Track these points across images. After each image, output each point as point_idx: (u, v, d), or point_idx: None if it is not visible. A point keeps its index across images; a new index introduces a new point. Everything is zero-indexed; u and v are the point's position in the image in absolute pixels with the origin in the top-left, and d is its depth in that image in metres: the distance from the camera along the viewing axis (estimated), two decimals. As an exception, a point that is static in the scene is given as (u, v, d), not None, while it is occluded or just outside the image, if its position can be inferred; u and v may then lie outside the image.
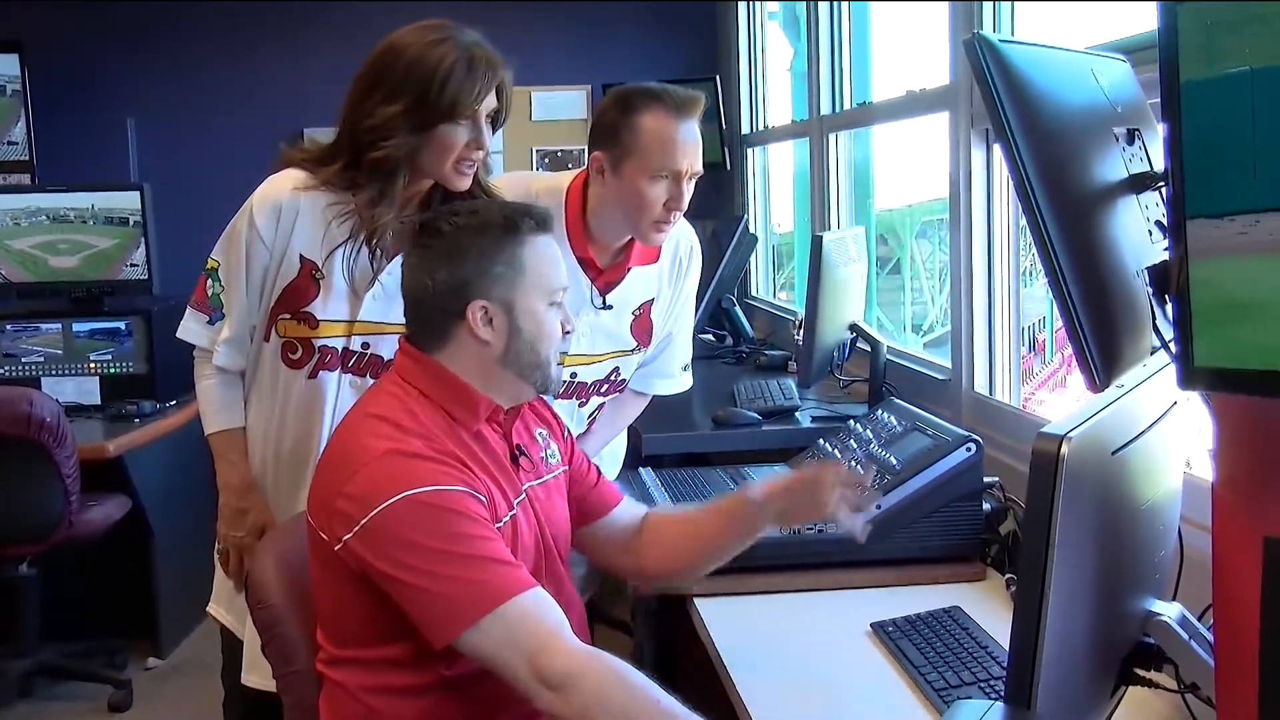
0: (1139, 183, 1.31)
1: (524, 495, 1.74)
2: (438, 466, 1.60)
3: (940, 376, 2.92)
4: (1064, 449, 1.15)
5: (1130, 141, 1.35)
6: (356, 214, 2.03)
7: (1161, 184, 1.33)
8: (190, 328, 2.15)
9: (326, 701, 1.71)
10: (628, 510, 1.97)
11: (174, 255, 4.49)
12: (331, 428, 2.07)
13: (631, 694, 1.51)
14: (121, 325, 4.21)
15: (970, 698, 1.66)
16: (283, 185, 2.07)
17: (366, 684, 1.66)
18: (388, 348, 2.08)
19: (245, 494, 2.14)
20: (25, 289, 4.34)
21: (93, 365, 4.21)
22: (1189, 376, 1.07)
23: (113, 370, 4.21)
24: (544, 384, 1.75)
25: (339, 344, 2.09)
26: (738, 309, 4.33)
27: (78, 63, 5.21)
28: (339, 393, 2.10)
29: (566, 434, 1.96)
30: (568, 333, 1.77)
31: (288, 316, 2.08)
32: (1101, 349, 1.17)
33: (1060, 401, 2.94)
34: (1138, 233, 1.28)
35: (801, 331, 3.71)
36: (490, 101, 2.03)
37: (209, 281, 2.13)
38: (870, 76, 3.92)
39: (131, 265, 4.29)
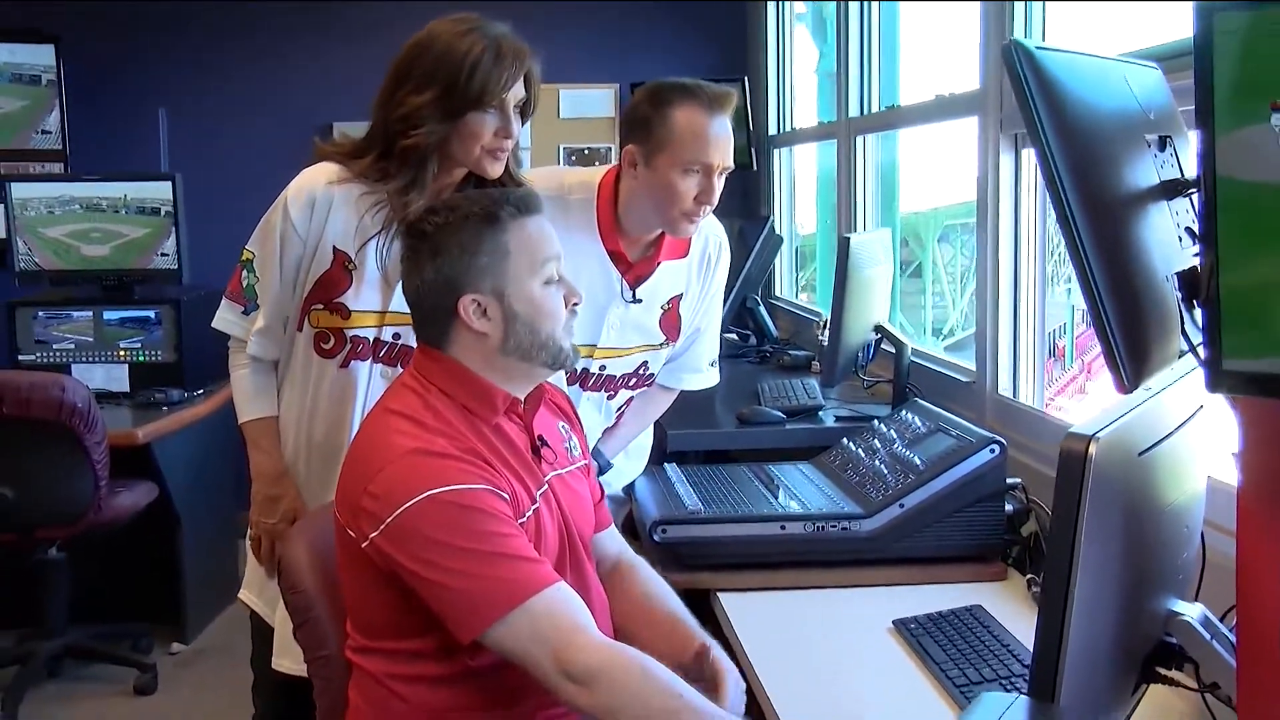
0: (1170, 189, 1.32)
1: (546, 486, 1.76)
2: (461, 465, 1.62)
3: (964, 379, 2.94)
4: (1092, 449, 1.17)
5: (1162, 148, 1.37)
6: (389, 204, 2.07)
7: (1192, 190, 1.35)
8: (225, 318, 2.20)
9: (356, 687, 1.74)
10: (607, 541, 1.97)
11: (203, 245, 4.54)
12: (362, 417, 2.10)
13: (656, 688, 1.54)
14: (151, 314, 4.27)
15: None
16: (317, 178, 2.11)
17: (394, 672, 1.69)
18: None
19: (277, 481, 2.17)
20: (57, 276, 4.40)
21: (122, 353, 4.26)
22: (1217, 379, 1.09)
23: (142, 358, 4.27)
24: (554, 359, 1.74)
25: (370, 334, 2.12)
26: (762, 309, 4.35)
27: (112, 55, 5.27)
28: (370, 382, 2.13)
29: (584, 433, 1.98)
30: (575, 304, 1.75)
31: (320, 307, 2.12)
32: (1130, 351, 1.18)
33: (1079, 408, 2.93)
34: (1168, 238, 1.30)
35: (826, 332, 3.74)
36: (518, 91, 2.07)
37: (244, 273, 2.17)
38: (898, 80, 3.93)
39: (162, 255, 4.34)
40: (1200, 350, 1.27)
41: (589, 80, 5.36)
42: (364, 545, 1.62)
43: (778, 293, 5.09)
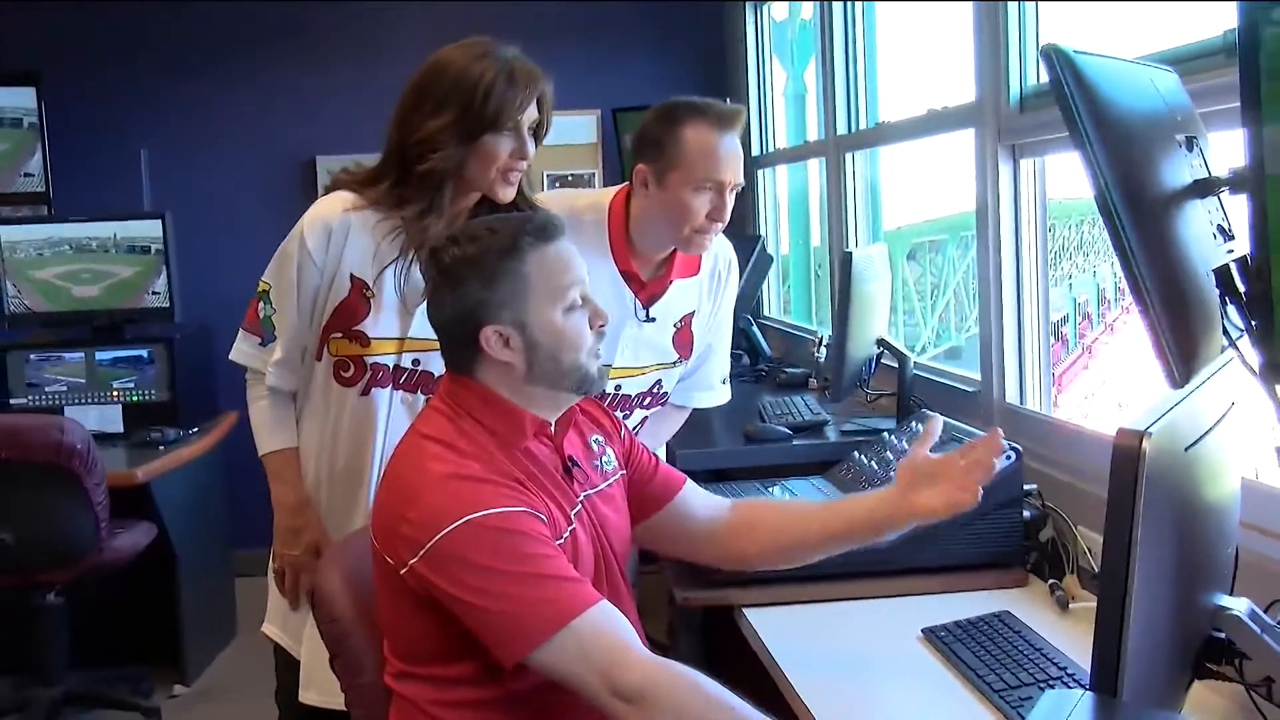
0: (1202, 188, 1.35)
1: (580, 506, 1.75)
2: (497, 488, 1.62)
3: (968, 389, 2.96)
4: (1145, 444, 1.18)
5: (1189, 148, 1.39)
6: (405, 230, 2.08)
7: (1223, 189, 1.37)
8: (243, 350, 2.19)
9: (396, 713, 1.73)
10: (697, 496, 1.96)
11: (188, 282, 4.52)
12: (384, 444, 2.11)
13: (708, 702, 1.53)
14: (144, 353, 4.24)
15: (1030, 698, 1.69)
16: (333, 206, 2.12)
17: (435, 698, 1.68)
18: (438, 364, 2.10)
19: (299, 512, 2.16)
20: (48, 318, 4.37)
21: (116, 393, 4.23)
22: (1273, 369, 1.11)
23: (136, 398, 4.23)
24: (579, 386, 1.74)
25: (390, 361, 2.12)
26: (755, 328, 4.38)
27: (92, 96, 5.25)
28: (391, 410, 2.13)
29: (624, 433, 1.96)
30: (601, 327, 1.75)
31: (340, 335, 2.12)
32: (1180, 346, 1.20)
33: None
34: (1204, 236, 1.32)
35: (822, 348, 3.77)
36: (532, 113, 2.09)
37: (260, 304, 2.17)
38: (878, 98, 3.98)
39: (153, 293, 4.32)
40: (1240, 344, 1.30)
41: (571, 107, 5.37)
42: (403, 572, 1.61)
43: (766, 312, 5.11)
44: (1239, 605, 1.43)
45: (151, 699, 3.92)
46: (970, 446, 1.80)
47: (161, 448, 4.00)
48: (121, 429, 4.20)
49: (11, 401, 4.19)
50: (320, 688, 2.11)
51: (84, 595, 3.88)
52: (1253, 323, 1.13)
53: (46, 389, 4.22)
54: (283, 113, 5.42)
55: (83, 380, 4.23)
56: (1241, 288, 1.34)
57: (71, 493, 3.43)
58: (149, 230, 4.33)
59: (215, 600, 4.42)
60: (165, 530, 3.91)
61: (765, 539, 1.91)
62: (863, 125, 3.93)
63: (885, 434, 2.67)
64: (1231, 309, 1.34)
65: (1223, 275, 1.31)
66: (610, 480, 1.87)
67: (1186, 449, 1.32)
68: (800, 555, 1.93)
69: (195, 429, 4.19)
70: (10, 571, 3.51)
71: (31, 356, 4.22)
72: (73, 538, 3.49)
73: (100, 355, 4.24)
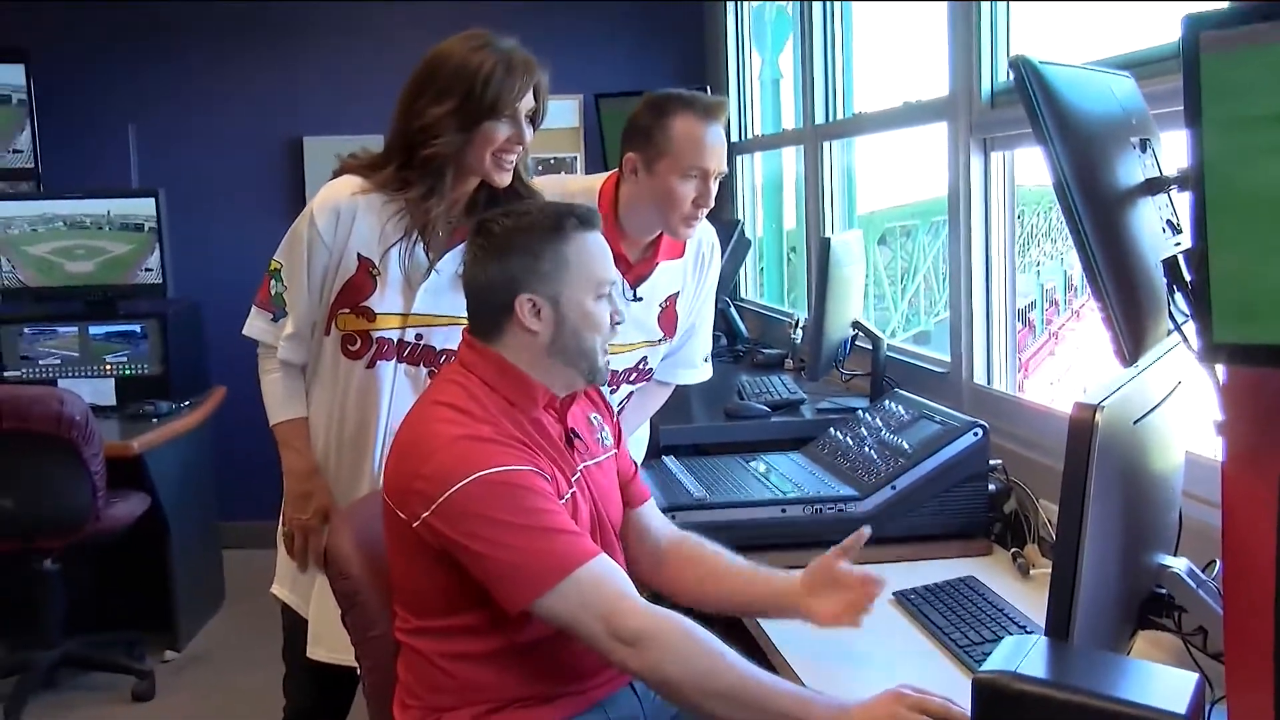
0: (1154, 186, 1.48)
1: (579, 475, 1.88)
2: (505, 449, 1.75)
3: (938, 370, 3.10)
4: (1098, 416, 1.32)
5: (1143, 149, 1.53)
6: (409, 212, 2.19)
7: (1172, 186, 1.51)
8: (256, 325, 2.30)
9: (405, 665, 1.86)
10: (656, 515, 2.10)
11: (176, 258, 4.60)
12: (389, 414, 2.23)
13: (700, 647, 1.67)
14: (137, 328, 4.33)
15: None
16: (341, 189, 2.23)
17: (442, 650, 1.81)
18: (439, 338, 2.25)
19: (309, 479, 2.28)
20: (42, 293, 4.45)
21: (109, 366, 4.32)
22: (1209, 352, 1.24)
23: (128, 372, 4.33)
24: (591, 372, 1.88)
25: (395, 335, 2.24)
26: (732, 310, 4.51)
27: (80, 72, 5.31)
28: (395, 381, 2.25)
29: (616, 419, 2.11)
30: (617, 323, 1.89)
31: (347, 311, 2.23)
32: (1130, 329, 1.34)
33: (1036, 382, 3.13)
34: (1154, 229, 1.46)
35: (798, 330, 3.91)
36: (528, 100, 2.21)
37: (272, 282, 2.28)
38: (853, 89, 4.11)
39: (146, 269, 4.41)
40: (1185, 329, 1.44)
41: (554, 92, 5.42)
42: (415, 525, 1.73)
43: (743, 295, 5.24)
44: (1179, 564, 1.58)
45: (145, 663, 4.03)
46: (844, 550, 1.93)
47: (154, 420, 4.10)
48: (114, 402, 4.30)
49: (5, 374, 4.28)
50: (328, 645, 2.24)
51: (79, 563, 3.99)
52: (1195, 310, 1.26)
53: (40, 362, 4.31)
54: (270, 93, 5.48)
55: (76, 354, 4.32)
56: (1188, 277, 1.47)
57: (70, 462, 3.54)
58: (142, 208, 4.41)
59: (204, 570, 4.53)
60: (159, 501, 4.01)
61: (691, 580, 2.03)
62: (839, 115, 4.06)
63: (860, 412, 2.81)
64: (1179, 297, 1.47)
65: (1171, 266, 1.44)
66: (609, 453, 2.00)
67: (1135, 422, 1.46)
68: (715, 605, 2.03)
69: (186, 403, 4.29)
70: (10, 537, 3.62)
71: (26, 330, 4.31)
72: (71, 506, 3.59)
73: (94, 329, 4.33)
